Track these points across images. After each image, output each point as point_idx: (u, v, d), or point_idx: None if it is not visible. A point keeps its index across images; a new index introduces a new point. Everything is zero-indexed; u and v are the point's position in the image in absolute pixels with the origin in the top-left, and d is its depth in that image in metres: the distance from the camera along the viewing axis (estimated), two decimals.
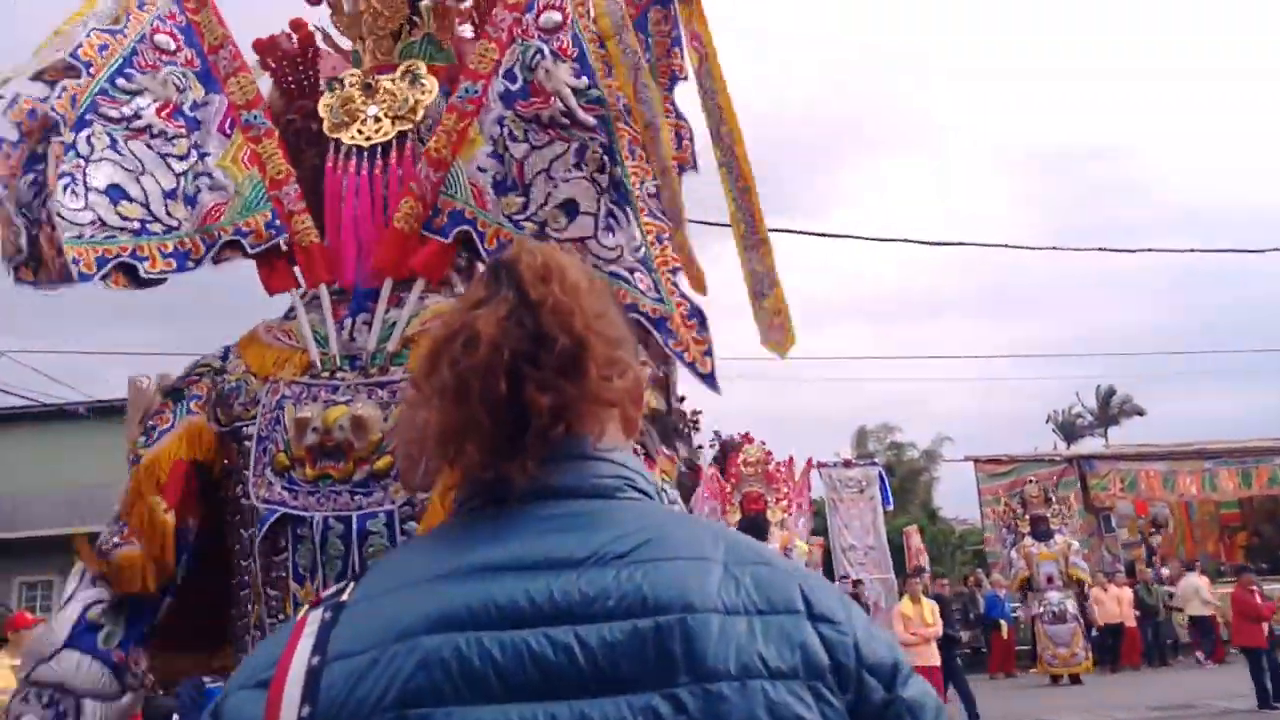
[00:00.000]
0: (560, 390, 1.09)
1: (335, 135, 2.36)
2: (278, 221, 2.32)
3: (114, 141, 2.31)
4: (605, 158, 2.19)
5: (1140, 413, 48.93)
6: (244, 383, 2.27)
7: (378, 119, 2.34)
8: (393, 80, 2.38)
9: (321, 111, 2.40)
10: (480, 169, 2.27)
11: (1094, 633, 18.44)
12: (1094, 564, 20.04)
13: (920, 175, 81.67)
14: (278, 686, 1.03)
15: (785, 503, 13.26)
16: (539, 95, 2.22)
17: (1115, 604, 18.68)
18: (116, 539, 2.19)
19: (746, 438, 13.48)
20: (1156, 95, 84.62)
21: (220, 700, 1.09)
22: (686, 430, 2.48)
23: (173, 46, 2.43)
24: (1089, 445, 41.86)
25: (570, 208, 2.21)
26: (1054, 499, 19.57)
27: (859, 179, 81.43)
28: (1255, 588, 13.95)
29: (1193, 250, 42.09)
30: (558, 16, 2.26)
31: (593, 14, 2.26)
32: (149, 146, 2.35)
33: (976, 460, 22.53)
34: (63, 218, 2.20)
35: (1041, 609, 17.98)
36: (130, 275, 2.29)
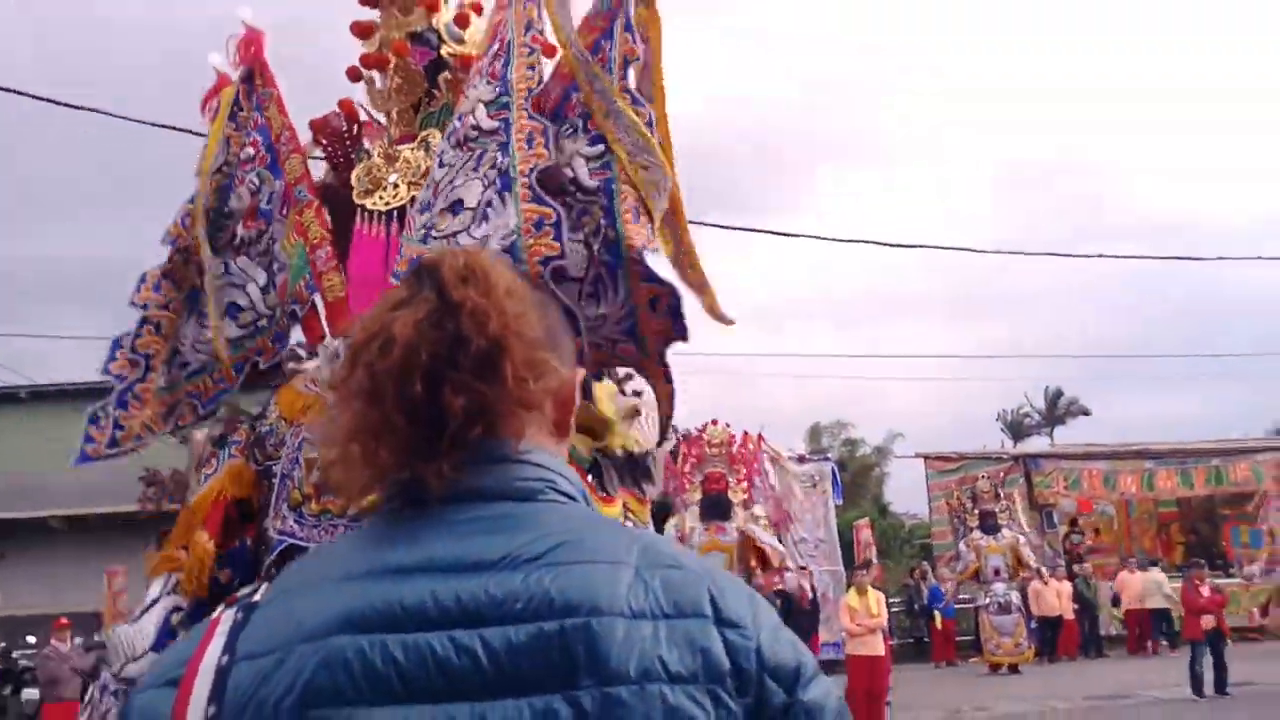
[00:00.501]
0: (477, 392, 1.09)
1: (361, 201, 2.61)
2: (312, 282, 2.57)
3: (226, 265, 2.65)
4: (498, 153, 2.22)
5: (1086, 413, 49.98)
6: (275, 427, 2.56)
7: (396, 185, 2.58)
8: (411, 149, 2.62)
9: (352, 180, 2.66)
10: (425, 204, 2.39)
11: (1033, 624, 19.06)
12: (1038, 559, 20.66)
13: (902, 186, 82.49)
14: (186, 685, 1.05)
15: (746, 484, 13.43)
16: (462, 123, 2.33)
17: (1055, 597, 19.28)
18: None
19: (712, 423, 13.65)
20: (1122, 112, 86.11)
21: (131, 697, 1.11)
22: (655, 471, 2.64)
23: (253, 154, 2.72)
24: (1035, 444, 42.76)
25: (457, 207, 2.25)
26: (1001, 495, 20.16)
27: (831, 182, 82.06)
28: (1199, 583, 14.51)
29: (1139, 256, 42.97)
30: (496, 47, 2.34)
31: (545, 30, 2.32)
32: (247, 256, 2.67)
33: (926, 457, 23.05)
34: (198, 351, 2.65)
35: (988, 600, 18.57)
36: (256, 372, 2.68)
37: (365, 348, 1.11)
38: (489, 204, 2.19)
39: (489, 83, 2.31)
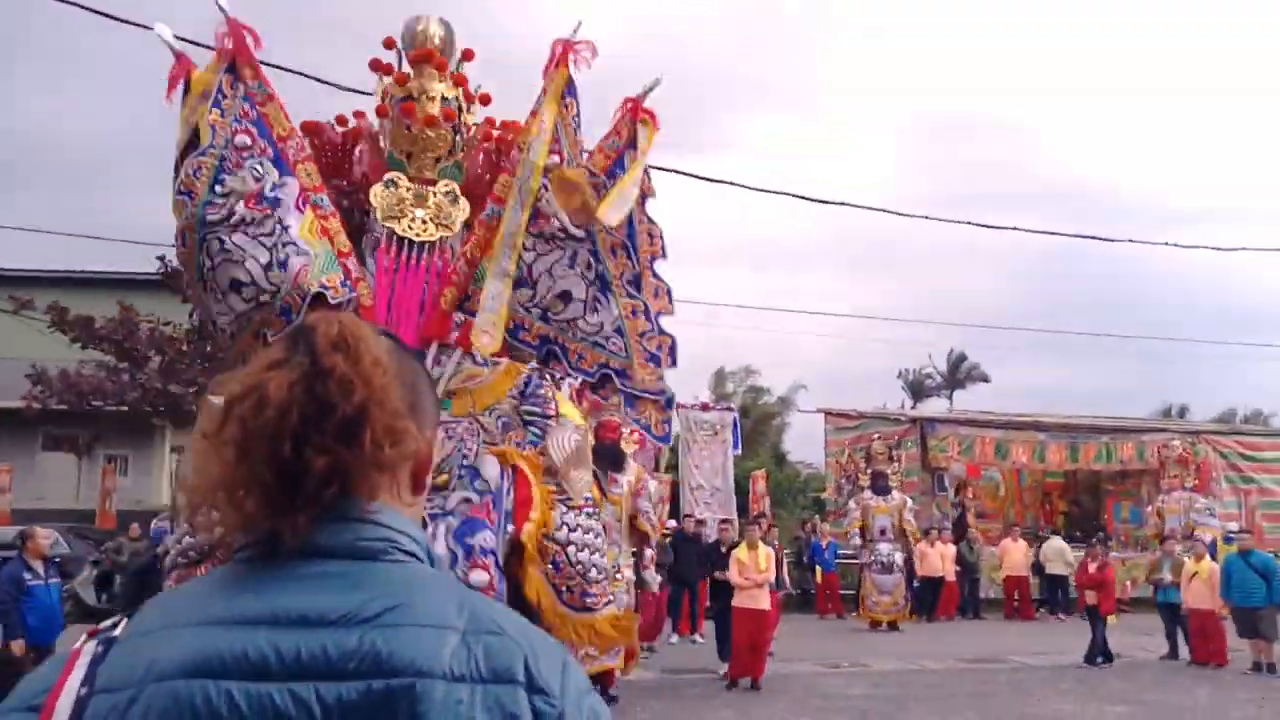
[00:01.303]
0: (337, 454, 1.16)
1: (388, 224, 3.07)
2: (349, 283, 2.96)
3: (222, 242, 2.90)
4: (591, 258, 2.96)
5: (985, 379, 51.19)
6: None
7: (424, 222, 3.05)
8: (437, 194, 3.08)
9: (374, 200, 3.09)
10: (499, 269, 2.94)
11: (915, 584, 19.51)
12: (923, 521, 21.11)
13: (813, 131, 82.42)
14: (47, 713, 1.10)
15: (638, 435, 13.40)
16: (543, 218, 2.95)
17: (938, 559, 19.75)
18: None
19: None
20: (1046, 75, 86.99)
21: None
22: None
23: (249, 142, 3.02)
24: (934, 406, 43.74)
25: (565, 296, 2.98)
26: (896, 457, 20.48)
27: (753, 128, 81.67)
28: (1091, 559, 14.90)
29: (1053, 233, 43.90)
30: (556, 159, 2.97)
31: (585, 154, 3.06)
32: (245, 234, 2.93)
33: (828, 413, 23.31)
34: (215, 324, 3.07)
35: (872, 559, 18.92)
36: (260, 340, 3.00)
37: (240, 403, 1.18)
38: (594, 302, 2.96)
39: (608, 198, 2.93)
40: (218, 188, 2.95)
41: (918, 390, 51.01)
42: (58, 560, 9.61)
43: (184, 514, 1.27)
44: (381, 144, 3.24)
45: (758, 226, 77.27)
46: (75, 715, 1.10)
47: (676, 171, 13.09)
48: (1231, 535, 16.42)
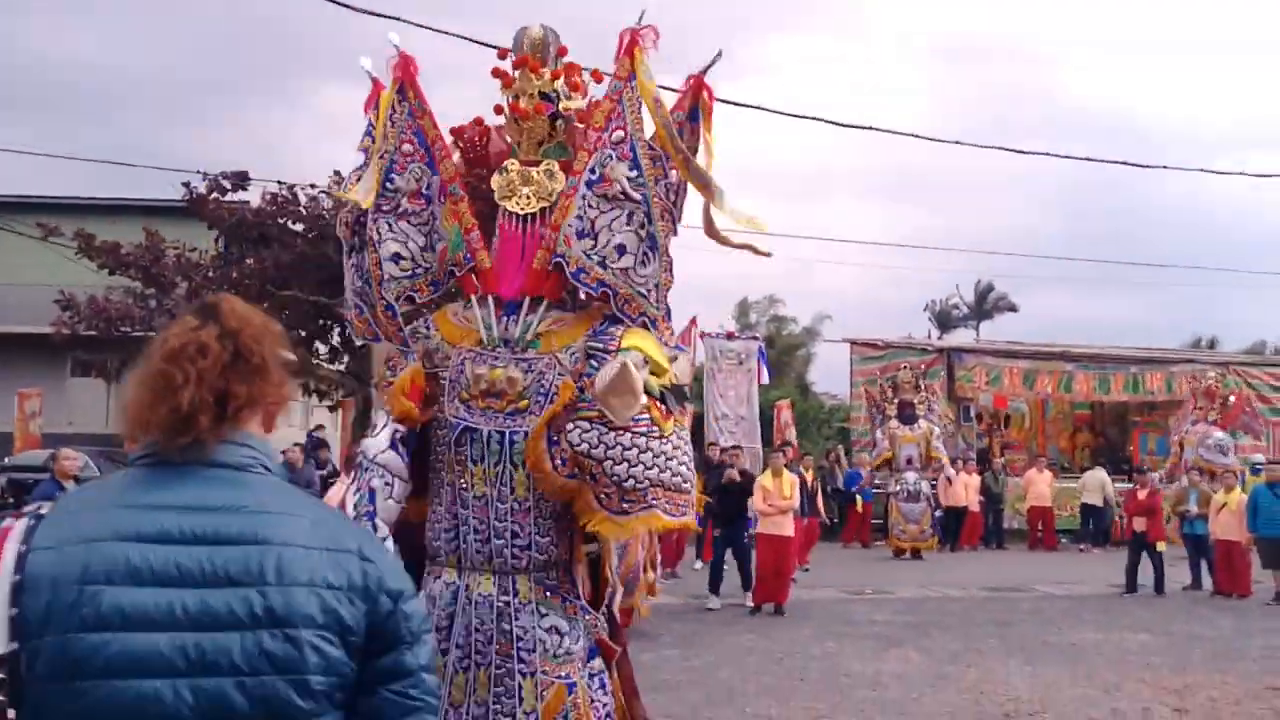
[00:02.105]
0: (244, 390, 1.69)
1: (503, 202, 3.79)
2: (469, 255, 3.76)
3: (390, 226, 3.85)
4: (645, 219, 3.67)
5: (1013, 309, 50.72)
6: (441, 345, 3.79)
7: (528, 197, 3.77)
8: (539, 173, 3.79)
9: (494, 184, 3.83)
10: (570, 225, 3.66)
11: (939, 514, 19.53)
12: (949, 450, 21.05)
13: (841, 58, 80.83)
14: None
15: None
16: (606, 182, 3.66)
17: (962, 488, 19.74)
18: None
19: None
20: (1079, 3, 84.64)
21: None
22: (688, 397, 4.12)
23: (411, 150, 3.87)
24: (960, 337, 43.34)
25: (621, 249, 3.65)
26: (922, 386, 20.37)
27: (780, 54, 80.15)
28: (1141, 487, 14.90)
29: (1085, 159, 43.01)
30: (621, 134, 3.70)
31: (648, 128, 3.72)
32: (409, 222, 3.86)
33: (853, 342, 23.10)
34: (380, 283, 3.85)
35: (898, 488, 18.95)
36: (410, 302, 3.89)
37: (184, 350, 1.67)
38: (644, 255, 3.66)
39: (623, 161, 3.66)
40: (388, 184, 3.85)
41: (944, 321, 50.61)
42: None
43: (128, 432, 1.73)
44: (504, 140, 3.94)
45: (783, 153, 76.27)
46: (19, 567, 1.52)
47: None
48: (1259, 466, 16.29)
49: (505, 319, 3.69)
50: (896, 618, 11.72)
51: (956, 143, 25.78)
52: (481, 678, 3.44)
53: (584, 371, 3.54)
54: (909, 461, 19.20)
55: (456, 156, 4.01)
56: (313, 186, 20.49)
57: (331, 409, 27.08)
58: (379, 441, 3.70)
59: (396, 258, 3.83)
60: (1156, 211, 67.79)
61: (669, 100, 3.88)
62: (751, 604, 12.08)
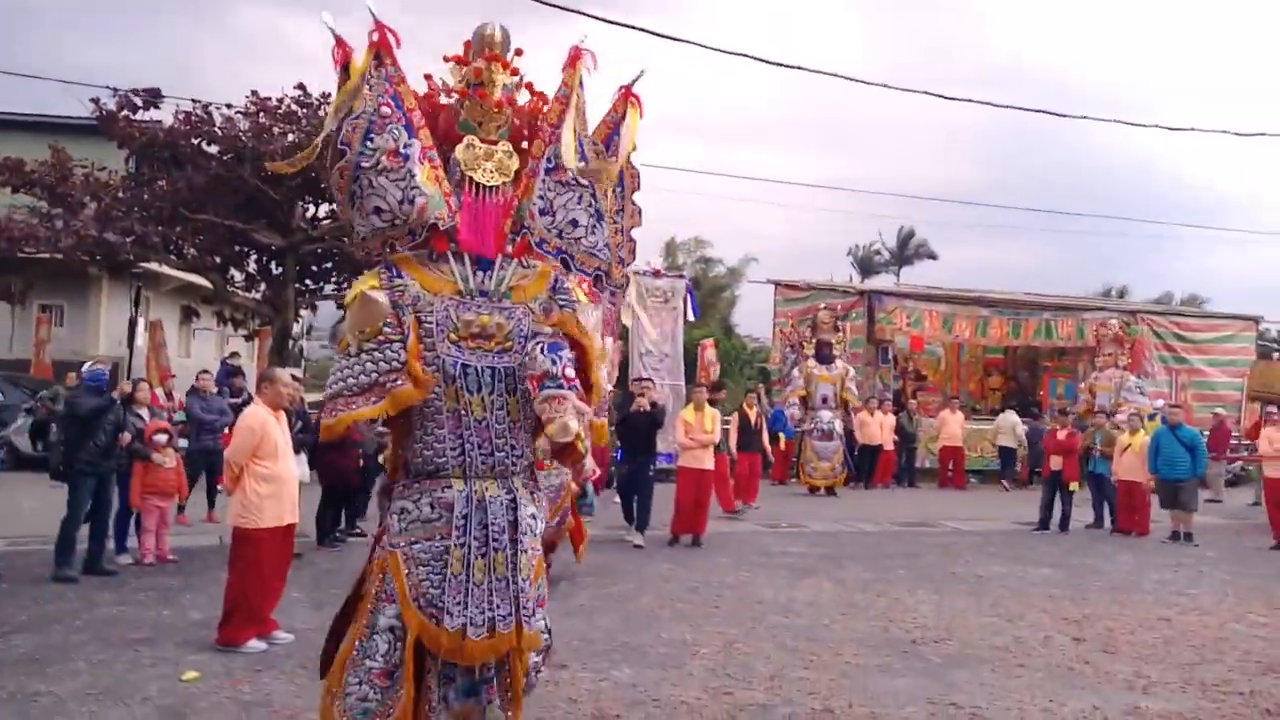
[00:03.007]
0: None
1: (469, 173, 4.50)
2: (451, 215, 4.38)
3: (370, 181, 4.28)
4: (591, 199, 4.62)
5: (933, 257, 51.61)
6: (422, 293, 4.34)
7: (492, 171, 4.51)
8: (500, 152, 4.53)
9: (460, 154, 4.51)
10: (533, 205, 4.52)
11: (855, 451, 19.92)
12: (866, 391, 21.43)
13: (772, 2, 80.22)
14: None
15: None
16: (561, 170, 4.51)
17: (878, 428, 20.14)
18: (393, 384, 4.21)
19: None
20: None
21: None
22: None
23: (388, 113, 4.30)
24: (881, 281, 43.98)
25: (574, 223, 4.60)
26: (841, 328, 20.64)
27: None
28: (1060, 427, 15.41)
29: (1009, 107, 43.65)
30: (569, 130, 4.49)
31: (590, 128, 4.71)
32: (386, 178, 4.27)
33: (777, 284, 23.25)
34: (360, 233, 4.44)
35: (813, 425, 19.26)
36: (391, 249, 4.41)
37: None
38: (592, 227, 4.65)
39: (576, 154, 4.48)
40: (368, 143, 4.28)
41: (866, 267, 51.30)
42: None
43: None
44: (458, 115, 4.58)
45: (716, 95, 75.90)
46: None
47: (633, 27, 12.71)
48: (1157, 412, 16.89)
49: (480, 273, 4.45)
50: (810, 550, 11.97)
51: (884, 85, 25.91)
52: (498, 560, 4.27)
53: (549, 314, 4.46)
54: (824, 400, 19.51)
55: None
56: (228, 106, 19.82)
57: (248, 338, 26.54)
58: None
59: (378, 211, 4.31)
60: (1076, 163, 69.08)
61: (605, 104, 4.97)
62: (671, 533, 12.24)
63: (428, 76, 4.75)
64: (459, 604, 4.14)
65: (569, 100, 4.57)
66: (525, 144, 4.63)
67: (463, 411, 4.34)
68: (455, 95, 4.67)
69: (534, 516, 4.46)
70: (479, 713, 4.41)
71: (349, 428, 4.44)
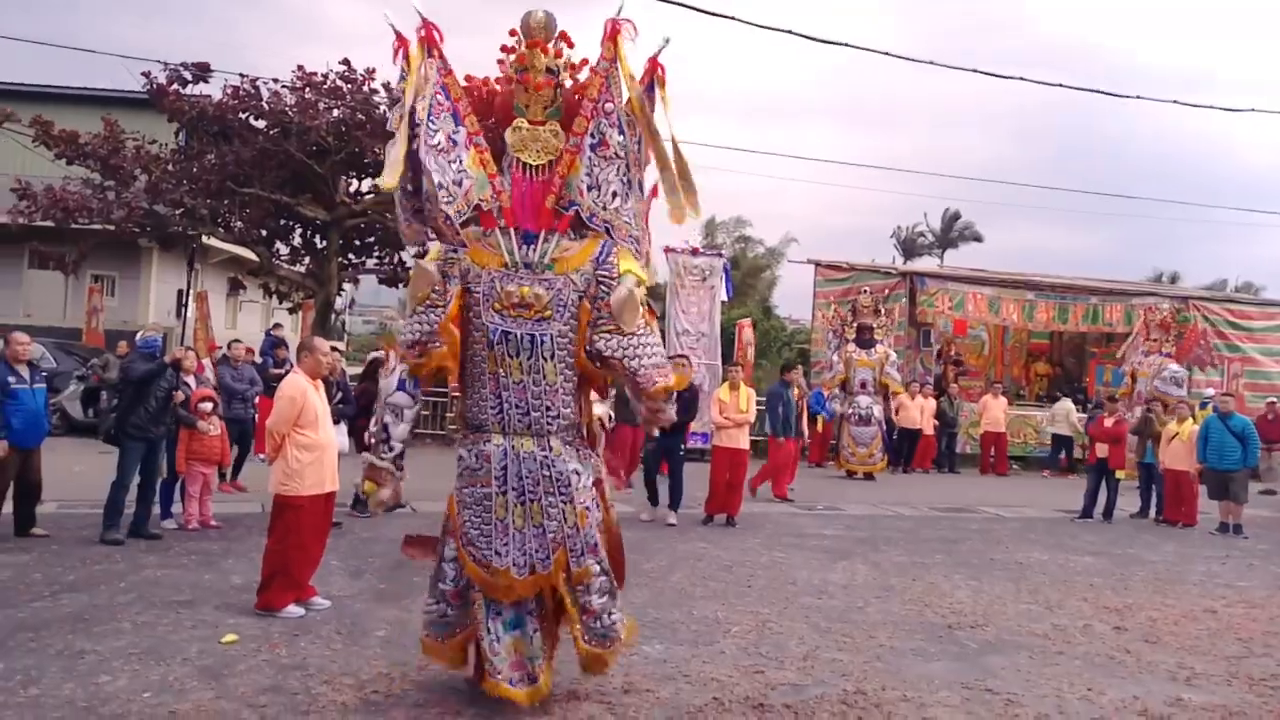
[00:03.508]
0: None
1: (518, 154, 5.02)
2: (495, 196, 4.93)
3: (433, 159, 4.66)
4: (626, 169, 4.98)
5: (978, 239, 50.96)
6: (472, 266, 4.91)
7: (538, 151, 5.01)
8: (546, 132, 5.03)
9: (508, 137, 5.04)
10: (580, 180, 4.94)
11: (894, 436, 19.76)
12: (907, 374, 21.23)
13: None
14: None
15: None
16: (605, 145, 4.93)
17: (917, 412, 19.97)
18: (433, 344, 4.86)
19: None
20: None
21: None
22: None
23: (441, 102, 4.81)
24: (924, 264, 43.49)
25: (615, 195, 4.98)
26: (882, 311, 20.44)
27: None
28: (1109, 415, 14.98)
29: (1059, 85, 42.63)
30: (611, 106, 4.92)
31: (627, 100, 4.91)
32: (443, 158, 4.74)
33: (818, 264, 23.07)
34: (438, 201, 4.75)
35: (851, 410, 19.12)
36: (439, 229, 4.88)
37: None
38: (627, 195, 5.01)
39: (613, 128, 4.93)
40: (430, 125, 4.70)
41: (910, 249, 50.82)
42: (43, 372, 9.57)
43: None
44: (512, 99, 5.03)
45: (756, 74, 75.27)
46: None
47: (673, 2, 12.59)
48: (1207, 401, 16.55)
49: (525, 247, 4.92)
50: (846, 532, 11.92)
51: (930, 63, 25.48)
52: (535, 509, 4.87)
53: (596, 295, 4.89)
54: (863, 385, 19.34)
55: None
56: (275, 81, 19.99)
57: (291, 311, 26.82)
58: (389, 384, 5.36)
59: (440, 185, 4.68)
60: (1128, 145, 67.85)
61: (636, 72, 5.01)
62: (706, 512, 12.24)
63: (468, 77, 5.17)
64: (505, 545, 4.86)
65: (608, 75, 4.93)
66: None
67: (502, 374, 4.87)
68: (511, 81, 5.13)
69: (576, 472, 4.95)
70: (525, 645, 5.02)
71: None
